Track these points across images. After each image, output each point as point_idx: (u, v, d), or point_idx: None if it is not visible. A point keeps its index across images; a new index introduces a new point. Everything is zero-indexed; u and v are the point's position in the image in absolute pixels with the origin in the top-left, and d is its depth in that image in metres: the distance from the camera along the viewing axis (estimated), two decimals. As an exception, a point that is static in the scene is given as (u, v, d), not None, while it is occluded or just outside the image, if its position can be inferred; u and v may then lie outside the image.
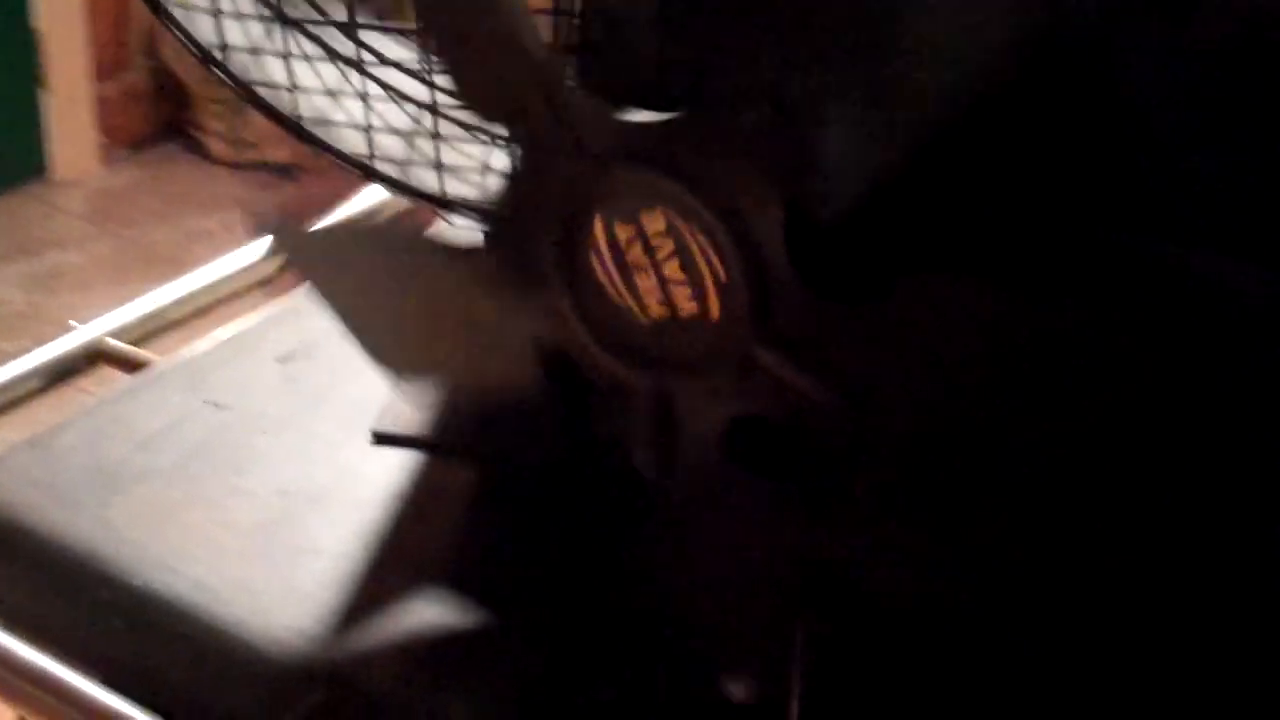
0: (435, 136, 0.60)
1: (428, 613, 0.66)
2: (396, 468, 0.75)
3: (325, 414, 0.81)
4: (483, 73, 0.55)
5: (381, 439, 0.74)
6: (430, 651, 0.65)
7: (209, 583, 0.68)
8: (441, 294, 0.63)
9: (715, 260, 0.52)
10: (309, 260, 0.66)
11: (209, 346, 0.85)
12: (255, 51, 0.61)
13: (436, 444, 0.73)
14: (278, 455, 0.76)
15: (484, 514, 0.74)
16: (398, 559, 0.70)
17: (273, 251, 0.65)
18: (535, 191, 0.55)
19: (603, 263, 0.55)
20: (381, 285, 0.65)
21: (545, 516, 0.70)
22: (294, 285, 0.88)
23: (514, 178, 0.56)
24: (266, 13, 0.60)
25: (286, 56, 0.60)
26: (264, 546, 0.70)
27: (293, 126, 0.61)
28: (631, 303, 0.55)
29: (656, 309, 0.55)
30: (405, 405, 0.73)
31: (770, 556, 0.58)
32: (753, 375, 0.54)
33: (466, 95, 0.57)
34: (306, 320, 0.88)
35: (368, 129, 0.61)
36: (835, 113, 0.48)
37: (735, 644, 0.59)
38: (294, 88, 0.61)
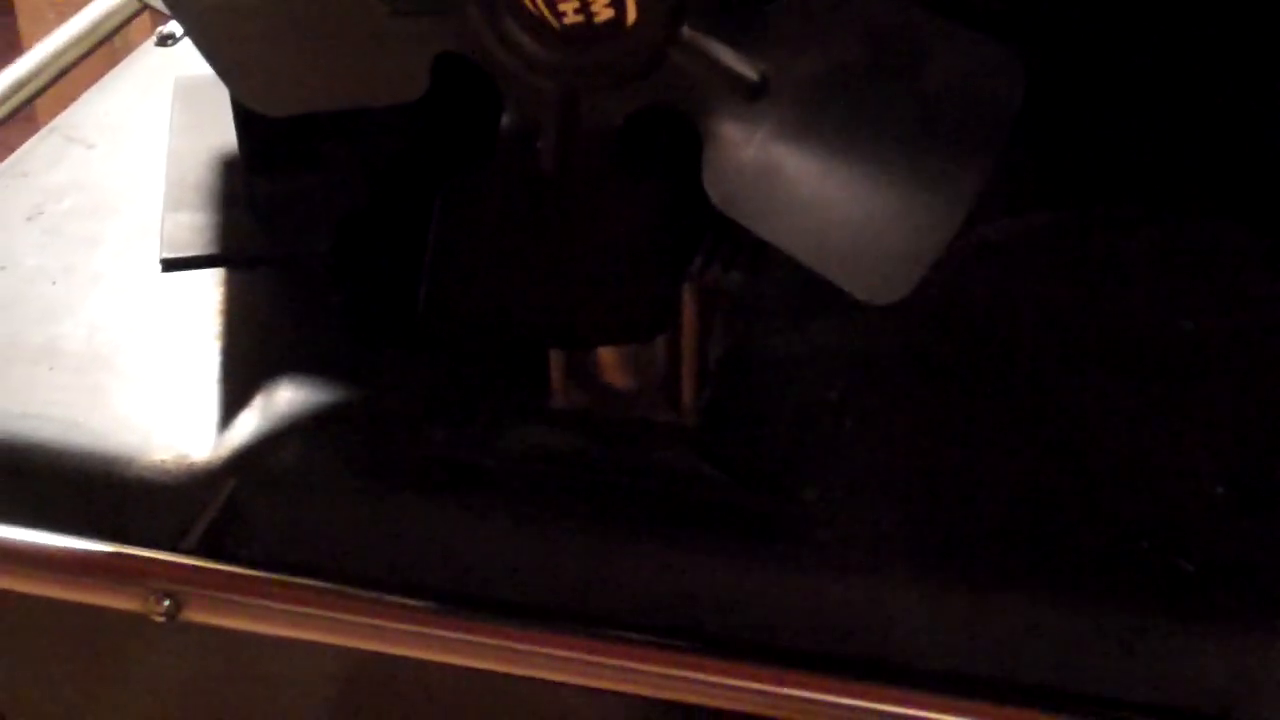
0: None
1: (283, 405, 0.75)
2: (197, 288, 0.81)
3: (103, 255, 0.85)
4: None
5: (171, 264, 0.77)
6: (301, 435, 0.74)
7: (80, 423, 0.74)
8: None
9: (638, -32, 0.59)
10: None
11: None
12: None
13: (227, 258, 0.80)
14: (76, 300, 0.81)
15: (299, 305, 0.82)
16: (238, 366, 0.77)
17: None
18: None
19: (520, -25, 0.61)
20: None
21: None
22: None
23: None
24: None
25: None
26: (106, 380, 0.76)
27: None
28: (546, 11, 0.62)
29: (572, 16, 0.61)
30: (184, 230, 0.78)
31: (659, 231, 0.67)
32: (658, 71, 0.62)
33: None
34: (38, 179, 0.91)
35: None
36: None
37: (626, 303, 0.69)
38: None
